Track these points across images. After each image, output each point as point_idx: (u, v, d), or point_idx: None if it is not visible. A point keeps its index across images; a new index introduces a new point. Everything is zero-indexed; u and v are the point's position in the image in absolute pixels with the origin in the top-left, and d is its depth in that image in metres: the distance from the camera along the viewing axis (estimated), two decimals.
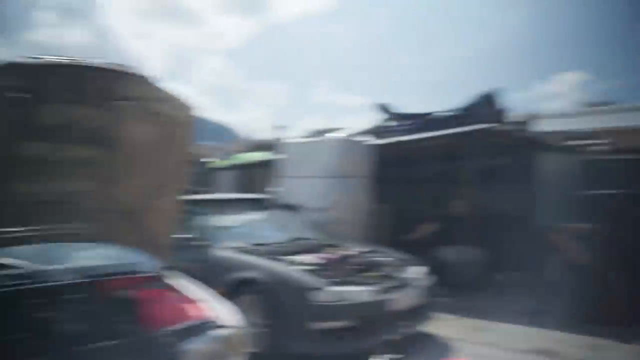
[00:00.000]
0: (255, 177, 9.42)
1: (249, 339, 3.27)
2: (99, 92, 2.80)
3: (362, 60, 67.24)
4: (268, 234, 5.98)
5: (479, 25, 65.20)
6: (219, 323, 3.02)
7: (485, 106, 8.25)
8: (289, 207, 7.03)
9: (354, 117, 76.66)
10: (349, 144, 7.80)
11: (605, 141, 12.51)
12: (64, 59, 2.73)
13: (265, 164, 8.62)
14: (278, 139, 13.50)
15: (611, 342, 5.10)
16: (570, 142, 11.44)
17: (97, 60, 2.80)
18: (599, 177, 9.66)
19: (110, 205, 3.10)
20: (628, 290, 5.79)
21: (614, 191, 7.10)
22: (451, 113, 8.25)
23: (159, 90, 3.02)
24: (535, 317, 5.95)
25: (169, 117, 3.10)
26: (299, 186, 7.53)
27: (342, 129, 11.11)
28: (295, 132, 20.15)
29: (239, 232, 5.69)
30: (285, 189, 7.71)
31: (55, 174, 2.89)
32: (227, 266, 4.94)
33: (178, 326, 2.88)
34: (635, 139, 10.92)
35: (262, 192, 8.06)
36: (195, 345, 2.81)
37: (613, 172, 9.59)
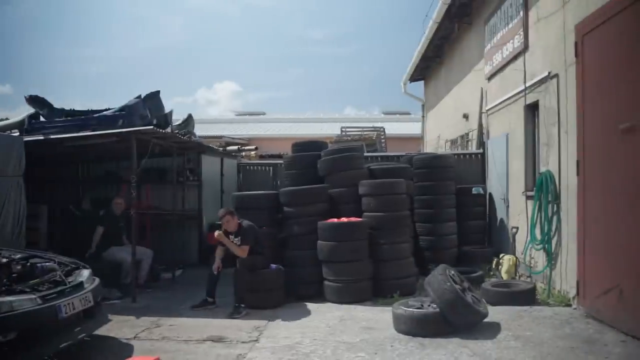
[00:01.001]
0: None
1: None
2: None
3: (17, 47, 57.54)
4: None
5: (142, 26, 63.97)
6: None
7: (149, 107, 8.19)
8: None
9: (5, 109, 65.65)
10: None
11: (254, 147, 14.16)
12: None
13: None
14: None
15: (270, 321, 5.77)
16: (227, 147, 12.50)
17: None
18: (250, 178, 10.92)
19: None
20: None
21: (261, 192, 8.09)
22: (113, 112, 7.88)
23: None
24: (205, 310, 6.32)
25: None
26: None
27: None
28: None
29: None
30: None
31: None
32: None
33: None
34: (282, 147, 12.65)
35: None
36: None
37: (261, 174, 10.98)
